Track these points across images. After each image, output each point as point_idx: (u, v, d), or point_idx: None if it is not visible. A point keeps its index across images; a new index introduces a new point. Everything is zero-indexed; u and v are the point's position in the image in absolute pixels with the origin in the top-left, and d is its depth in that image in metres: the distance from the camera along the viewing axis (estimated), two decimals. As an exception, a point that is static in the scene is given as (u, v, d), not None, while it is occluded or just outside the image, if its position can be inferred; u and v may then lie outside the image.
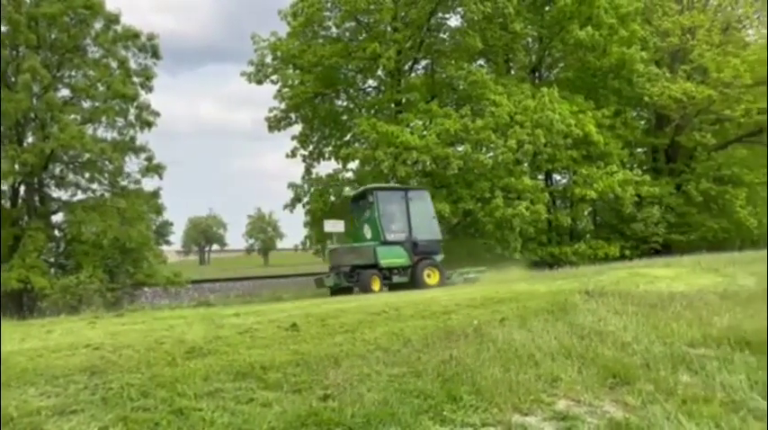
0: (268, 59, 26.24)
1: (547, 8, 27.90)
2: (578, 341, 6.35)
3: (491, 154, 23.16)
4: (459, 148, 23.29)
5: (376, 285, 15.12)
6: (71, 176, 24.02)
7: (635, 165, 29.61)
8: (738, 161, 29.89)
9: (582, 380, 5.26)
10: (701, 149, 29.69)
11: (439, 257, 16.65)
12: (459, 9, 25.03)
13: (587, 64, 27.28)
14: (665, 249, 26.26)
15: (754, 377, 5.39)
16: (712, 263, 14.28)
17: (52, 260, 23.89)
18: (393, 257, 15.79)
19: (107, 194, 23.89)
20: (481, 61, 28.16)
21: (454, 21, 26.34)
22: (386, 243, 16.04)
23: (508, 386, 4.93)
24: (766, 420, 4.63)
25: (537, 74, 29.92)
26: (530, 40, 28.91)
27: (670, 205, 28.63)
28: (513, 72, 29.17)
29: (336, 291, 15.34)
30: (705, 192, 28.60)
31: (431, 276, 15.72)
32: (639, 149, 31.81)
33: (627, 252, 26.19)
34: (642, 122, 31.91)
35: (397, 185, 18.98)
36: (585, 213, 30.81)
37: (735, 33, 30.93)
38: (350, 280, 15.57)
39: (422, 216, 16.93)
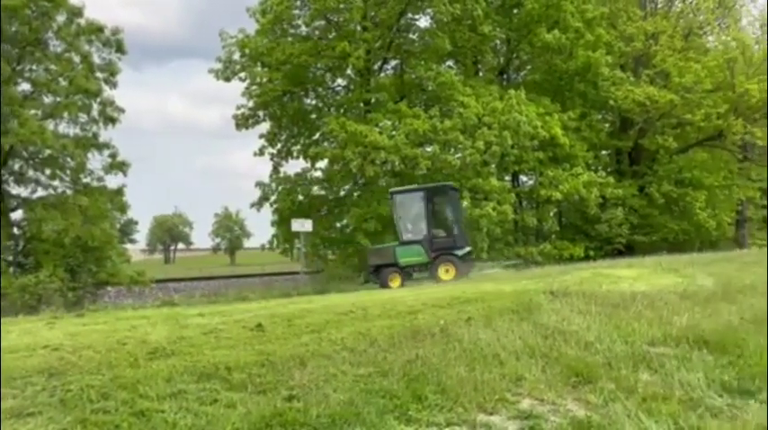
0: (236, 56, 25.99)
1: (515, 11, 28.22)
2: (542, 340, 6.44)
3: (459, 155, 23.32)
4: (428, 149, 23.40)
5: (395, 282, 16.34)
6: (31, 173, 23.44)
7: (599, 168, 30.19)
8: (699, 164, 30.68)
9: (545, 379, 5.33)
10: (663, 152, 30.37)
11: (463, 251, 17.08)
12: (429, 10, 25.13)
13: (554, 67, 27.67)
14: (629, 250, 26.79)
15: (712, 375, 5.53)
16: (673, 263, 14.61)
17: (11, 259, 23.26)
18: (411, 256, 16.83)
19: (69, 192, 23.38)
20: (450, 62, 28.33)
21: (423, 22, 26.49)
22: (404, 243, 17.14)
23: (473, 385, 4.97)
24: (724, 418, 4.76)
25: (505, 76, 30.24)
26: (498, 42, 29.18)
27: (633, 207, 29.21)
28: (481, 74, 29.42)
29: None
30: (667, 194, 29.28)
31: (448, 271, 16.25)
32: (604, 152, 32.37)
33: (591, 252, 26.64)
34: (607, 125, 32.49)
35: (419, 186, 19.45)
36: (551, 214, 31.27)
37: (696, 39, 31.71)
38: (373, 277, 17.25)
39: (443, 212, 18.01)
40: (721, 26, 32.26)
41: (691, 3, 32.03)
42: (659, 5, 33.20)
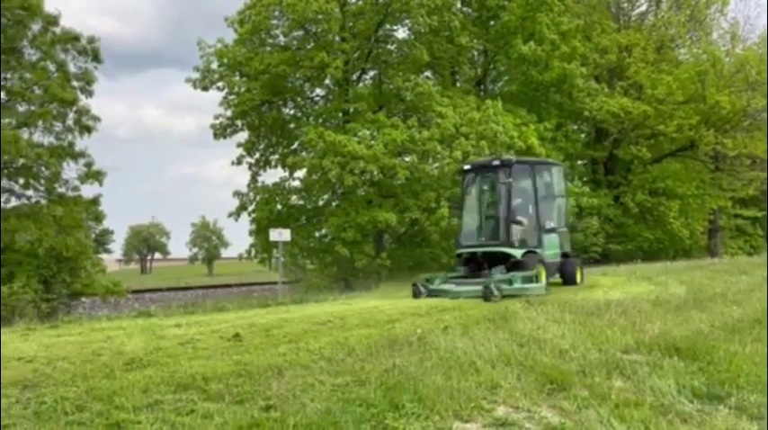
0: (214, 66, 25.86)
1: (492, 23, 28.54)
2: (518, 348, 6.53)
3: (437, 164, 23.43)
4: (407, 159, 23.49)
5: None
6: (4, 182, 23.03)
7: (575, 177, 30.52)
8: (672, 174, 31.22)
9: (521, 386, 5.41)
10: (638, 162, 30.89)
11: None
12: (407, 21, 25.28)
13: (530, 78, 27.99)
14: (604, 258, 27.14)
15: (682, 381, 5.66)
16: (646, 272, 14.90)
17: (-18, 269, 22.83)
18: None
19: (43, 201, 23.01)
20: (428, 73, 28.49)
21: (401, 33, 26.61)
22: None
23: (449, 393, 5.03)
24: (693, 423, 4.87)
25: (482, 86, 30.51)
26: (475, 53, 29.45)
27: (608, 216, 29.59)
28: (458, 84, 29.65)
29: None
30: (641, 203, 29.75)
31: None
32: (580, 162, 32.78)
33: (567, 261, 26.89)
34: (582, 136, 32.91)
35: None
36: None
37: (668, 52, 32.37)
38: None
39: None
40: (692, 39, 32.97)
41: (662, 17, 32.71)
42: (632, 19, 33.83)
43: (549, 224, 12.68)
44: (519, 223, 11.82)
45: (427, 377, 5.41)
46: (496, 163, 12.38)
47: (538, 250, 11.98)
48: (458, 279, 11.85)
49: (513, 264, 11.38)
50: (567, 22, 27.41)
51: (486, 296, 10.10)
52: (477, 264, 12.01)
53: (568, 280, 12.76)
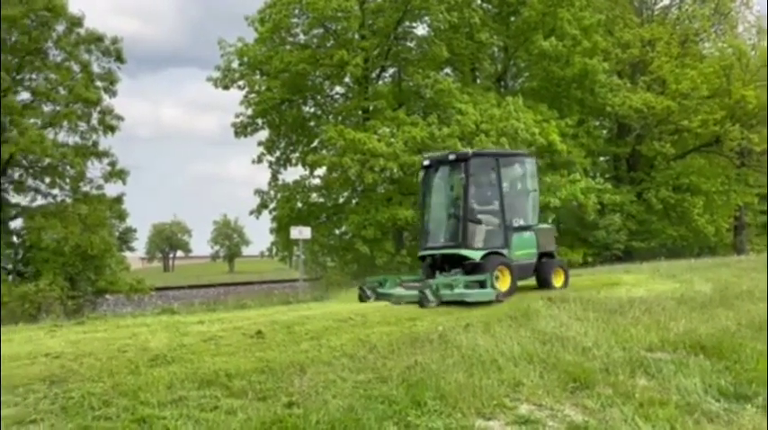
0: (235, 65, 26.08)
1: (512, 19, 28.35)
2: (540, 346, 6.48)
3: (457, 161, 23.35)
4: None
5: None
6: (31, 181, 23.50)
7: (597, 174, 30.22)
8: (696, 170, 30.75)
9: (543, 384, 5.37)
10: (661, 158, 30.47)
11: None
12: (426, 18, 25.25)
13: (551, 74, 27.76)
14: (627, 256, 26.82)
15: (709, 380, 5.57)
16: (671, 269, 14.67)
17: (10, 267, 23.28)
18: None
19: (68, 200, 23.41)
20: (448, 70, 28.43)
21: (421, 30, 26.59)
22: None
23: (472, 391, 5.01)
24: (720, 423, 4.80)
25: (502, 83, 30.33)
26: (495, 49, 29.29)
27: (631, 213, 29.26)
28: (479, 81, 29.52)
29: None
30: (664, 200, 29.34)
31: None
32: (602, 158, 32.45)
33: (589, 258, 26.68)
34: (604, 132, 32.57)
35: None
36: (549, 220, 31.28)
37: (692, 46, 31.86)
38: None
39: None
40: (717, 33, 32.46)
41: (687, 10, 32.22)
42: (656, 13, 33.40)
43: (519, 221, 11.36)
44: (478, 222, 10.76)
45: (449, 374, 5.40)
46: (452, 157, 11.31)
47: (503, 251, 10.81)
48: (411, 282, 10.86)
49: (472, 267, 10.32)
50: (588, 17, 27.14)
51: (421, 302, 9.19)
52: (441, 268, 10.88)
53: (543, 283, 11.43)
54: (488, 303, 9.30)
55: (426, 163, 11.84)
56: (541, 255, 11.54)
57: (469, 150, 11.96)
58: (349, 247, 24.88)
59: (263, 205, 26.89)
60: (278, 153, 27.68)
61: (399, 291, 10.44)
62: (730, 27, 32.27)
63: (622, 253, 27.59)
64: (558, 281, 11.49)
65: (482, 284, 9.80)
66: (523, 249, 11.21)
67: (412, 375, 5.40)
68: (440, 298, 9.30)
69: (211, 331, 7.48)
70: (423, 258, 11.44)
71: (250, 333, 7.20)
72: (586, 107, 29.47)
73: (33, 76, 23.51)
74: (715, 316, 8.15)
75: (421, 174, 12.13)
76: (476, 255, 10.42)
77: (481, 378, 5.35)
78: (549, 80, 28.46)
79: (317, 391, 4.99)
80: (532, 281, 11.50)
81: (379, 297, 10.32)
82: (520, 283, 10.91)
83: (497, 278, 10.28)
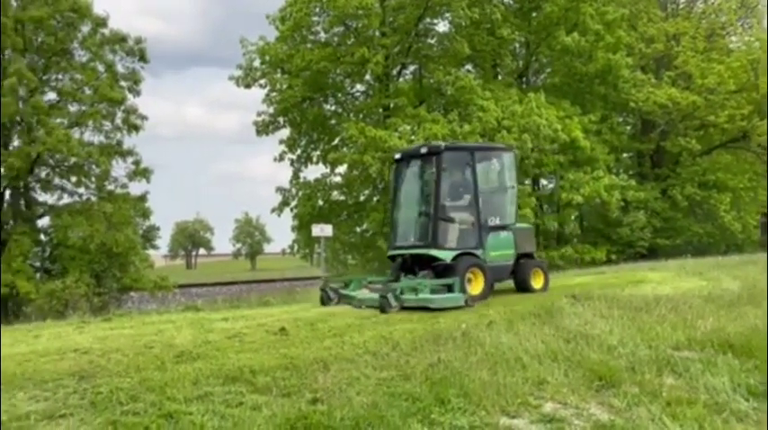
0: (256, 63, 26.22)
1: (534, 14, 28.10)
2: (565, 344, 6.43)
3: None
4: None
5: None
6: (57, 180, 23.88)
7: (621, 170, 29.88)
8: (723, 166, 30.24)
9: (568, 382, 5.33)
10: (686, 155, 29.98)
11: None
12: (447, 15, 25.15)
13: (574, 69, 27.50)
14: (651, 253, 26.46)
15: (737, 379, 5.48)
16: (697, 267, 14.46)
17: (38, 264, 23.71)
18: None
19: (94, 198, 23.75)
20: (469, 66, 28.30)
21: (442, 26, 26.50)
22: None
23: (496, 389, 4.99)
24: (750, 422, 4.72)
25: (524, 79, 30.10)
26: (517, 45, 29.09)
27: (655, 210, 28.87)
28: (500, 77, 29.32)
29: None
30: (690, 196, 28.89)
31: None
32: (625, 154, 32.06)
33: (613, 256, 26.38)
34: (628, 128, 32.19)
35: None
36: (572, 218, 31.00)
37: (719, 40, 31.29)
38: None
39: None
40: (744, 26, 31.84)
41: (713, 3, 31.67)
42: (680, 6, 32.90)
43: (495, 220, 10.66)
44: (450, 220, 10.11)
45: (473, 372, 5.38)
46: (424, 150, 10.55)
47: (477, 251, 10.18)
48: (376, 284, 10.17)
49: (442, 269, 9.68)
50: (612, 12, 26.83)
51: (382, 307, 8.64)
52: (410, 269, 10.22)
53: (521, 284, 10.81)
54: (510, 301, 9.24)
55: (398, 156, 11.28)
56: (520, 257, 10.88)
57: (442, 143, 11.19)
58: (370, 245, 24.90)
59: (285, 203, 27.03)
60: (299, 151, 27.80)
61: (363, 293, 9.87)
62: (757, 20, 31.60)
63: (647, 250, 27.23)
64: (536, 283, 10.85)
65: (450, 288, 9.25)
66: (499, 250, 10.56)
67: (435, 373, 5.39)
68: (402, 302, 8.82)
69: (235, 328, 7.56)
70: (392, 258, 10.80)
71: (274, 329, 7.26)
72: (610, 103, 29.15)
73: (59, 77, 23.90)
74: (743, 314, 8.01)
75: (392, 168, 11.55)
76: (446, 256, 9.80)
77: (505, 376, 5.33)
78: (572, 76, 28.19)
79: (340, 388, 5.00)
80: (553, 280, 11.35)
81: (342, 299, 9.87)
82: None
83: (469, 281, 9.71)
